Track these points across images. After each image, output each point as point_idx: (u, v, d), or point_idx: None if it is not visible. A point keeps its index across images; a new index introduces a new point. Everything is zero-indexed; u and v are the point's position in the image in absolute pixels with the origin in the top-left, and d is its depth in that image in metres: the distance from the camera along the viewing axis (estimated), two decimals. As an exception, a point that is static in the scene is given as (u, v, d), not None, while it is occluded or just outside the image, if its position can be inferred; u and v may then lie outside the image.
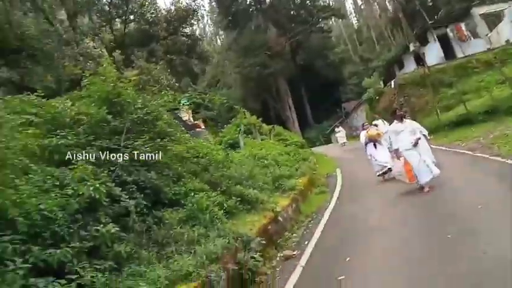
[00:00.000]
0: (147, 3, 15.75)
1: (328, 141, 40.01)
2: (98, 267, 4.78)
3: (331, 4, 53.27)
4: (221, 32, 51.03)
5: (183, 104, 14.99)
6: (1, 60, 12.55)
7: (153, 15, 15.47)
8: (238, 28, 40.00)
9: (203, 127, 15.84)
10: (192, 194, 6.60)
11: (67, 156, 6.24)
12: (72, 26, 14.92)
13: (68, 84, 12.37)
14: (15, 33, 13.00)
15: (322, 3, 48.07)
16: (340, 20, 56.34)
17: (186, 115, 14.92)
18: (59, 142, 6.08)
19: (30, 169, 4.94)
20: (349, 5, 68.52)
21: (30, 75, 13.64)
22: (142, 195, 6.24)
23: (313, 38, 46.07)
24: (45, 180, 5.36)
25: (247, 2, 42.27)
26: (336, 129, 29.54)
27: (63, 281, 4.28)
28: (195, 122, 15.70)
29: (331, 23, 58.05)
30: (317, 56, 46.32)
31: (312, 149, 24.95)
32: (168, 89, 12.23)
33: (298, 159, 14.07)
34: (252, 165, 9.92)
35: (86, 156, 6.25)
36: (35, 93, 7.32)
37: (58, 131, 6.45)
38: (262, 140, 16.46)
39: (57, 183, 5.48)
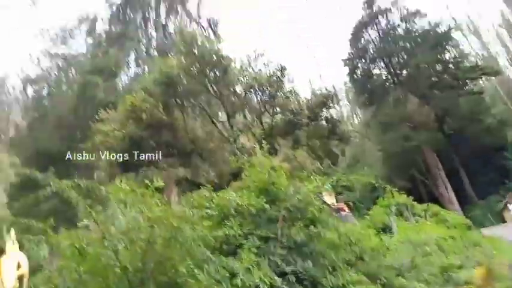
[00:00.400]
0: (290, 96, 17.53)
1: (500, 220, 33.24)
2: None
3: (478, 63, 48.22)
4: (358, 110, 51.53)
5: (327, 189, 15.06)
6: (179, 161, 15.47)
7: (296, 106, 16.99)
8: (375, 104, 39.67)
9: (347, 210, 15.37)
10: (350, 286, 6.28)
11: (233, 246, 6.89)
12: (231, 125, 17.58)
13: (230, 176, 14.16)
14: (190, 137, 16.21)
15: (468, 65, 43.99)
16: (494, 77, 49.96)
17: (330, 198, 14.82)
18: (227, 233, 6.79)
19: (209, 259, 5.60)
20: (502, 59, 60.67)
21: (197, 172, 16.15)
22: (301, 286, 6.25)
23: (461, 102, 41.69)
24: (218, 270, 5.95)
25: (383, 78, 42.12)
26: (510, 206, 24.66)
27: None
28: (339, 205, 15.40)
29: (481, 82, 51.98)
30: (469, 121, 41.27)
31: (482, 230, 21.07)
32: (313, 173, 12.57)
33: (467, 245, 12.07)
34: (411, 252, 8.98)
35: (249, 246, 6.76)
36: (205, 187, 8.48)
37: (226, 221, 7.24)
38: (416, 221, 14.92)
39: (227, 274, 6.02)
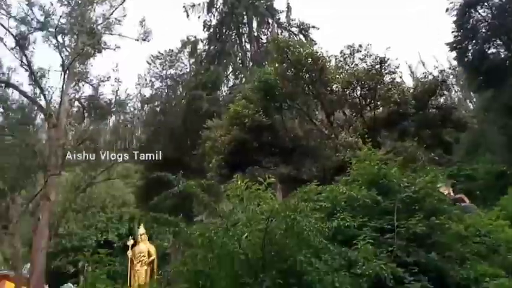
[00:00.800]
0: (393, 87, 16.60)
1: None
2: None
3: None
4: (472, 94, 46.04)
5: (444, 179, 13.86)
6: (281, 159, 15.99)
7: (400, 96, 16.01)
8: (494, 86, 34.94)
9: (468, 201, 13.97)
10: (486, 279, 5.71)
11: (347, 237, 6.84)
12: (330, 122, 17.43)
13: (332, 172, 14.06)
14: (289, 136, 16.67)
15: None
16: None
17: (446, 189, 13.68)
18: (340, 224, 6.79)
19: (326, 248, 5.68)
20: None
21: (300, 169, 16.38)
22: (426, 277, 5.98)
23: None
24: (333, 259, 6.00)
25: (501, 57, 36.95)
26: None
27: None
28: (458, 195, 14.12)
29: None
30: None
31: None
32: (426, 164, 11.77)
33: None
34: None
35: (363, 237, 6.66)
36: (313, 183, 8.53)
37: (338, 214, 7.24)
38: None
39: (343, 263, 6.02)
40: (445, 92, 19.58)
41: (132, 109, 32.16)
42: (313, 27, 34.57)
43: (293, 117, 19.27)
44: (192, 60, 37.27)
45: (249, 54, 36.62)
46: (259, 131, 16.74)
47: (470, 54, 36.30)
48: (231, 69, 36.62)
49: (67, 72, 22.44)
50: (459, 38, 35.68)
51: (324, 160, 15.72)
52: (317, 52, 17.27)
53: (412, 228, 6.71)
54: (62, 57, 22.75)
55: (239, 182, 6.47)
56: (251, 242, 5.86)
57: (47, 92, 22.70)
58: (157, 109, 34.41)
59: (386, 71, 16.91)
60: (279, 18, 36.53)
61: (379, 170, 8.17)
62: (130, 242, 26.44)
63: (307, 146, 16.92)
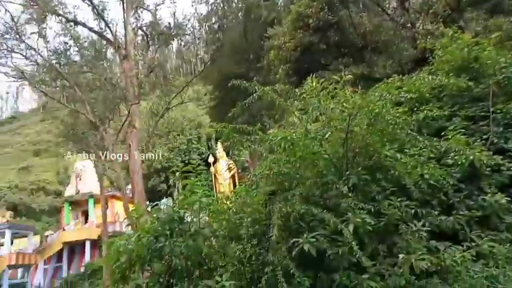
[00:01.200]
0: None
1: None
2: (492, 237, 4.63)
3: None
4: None
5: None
6: (350, 60, 14.95)
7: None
8: None
9: None
10: None
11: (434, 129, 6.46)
12: (405, 9, 15.51)
13: (410, 65, 12.90)
14: (358, 32, 15.27)
15: None
16: None
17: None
18: (428, 115, 6.36)
19: (414, 140, 5.41)
20: None
21: (372, 67, 15.30)
22: None
23: None
24: (421, 151, 5.75)
25: None
26: None
27: (459, 247, 4.43)
28: None
29: None
30: None
31: None
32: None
33: None
34: None
35: (453, 127, 6.23)
36: (391, 78, 7.90)
37: (422, 106, 6.77)
38: None
39: (432, 155, 5.75)
40: None
41: (191, 29, 31.96)
42: None
43: (360, 10, 17.46)
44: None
45: None
46: (325, 30, 15.57)
47: None
48: (286, -33, 33.47)
49: (125, 0, 22.43)
50: None
51: (399, 54, 14.36)
52: None
53: (511, 112, 6.07)
54: (117, -16, 22.60)
55: (314, 84, 6.21)
56: (332, 143, 5.81)
57: (111, 25, 23.26)
58: (216, 26, 33.70)
59: None
60: None
61: (469, 52, 7.26)
62: (211, 159, 28.61)
63: (378, 40, 15.49)
